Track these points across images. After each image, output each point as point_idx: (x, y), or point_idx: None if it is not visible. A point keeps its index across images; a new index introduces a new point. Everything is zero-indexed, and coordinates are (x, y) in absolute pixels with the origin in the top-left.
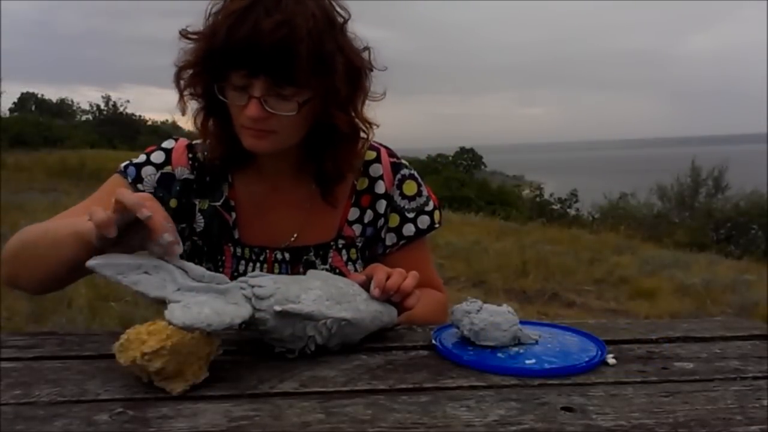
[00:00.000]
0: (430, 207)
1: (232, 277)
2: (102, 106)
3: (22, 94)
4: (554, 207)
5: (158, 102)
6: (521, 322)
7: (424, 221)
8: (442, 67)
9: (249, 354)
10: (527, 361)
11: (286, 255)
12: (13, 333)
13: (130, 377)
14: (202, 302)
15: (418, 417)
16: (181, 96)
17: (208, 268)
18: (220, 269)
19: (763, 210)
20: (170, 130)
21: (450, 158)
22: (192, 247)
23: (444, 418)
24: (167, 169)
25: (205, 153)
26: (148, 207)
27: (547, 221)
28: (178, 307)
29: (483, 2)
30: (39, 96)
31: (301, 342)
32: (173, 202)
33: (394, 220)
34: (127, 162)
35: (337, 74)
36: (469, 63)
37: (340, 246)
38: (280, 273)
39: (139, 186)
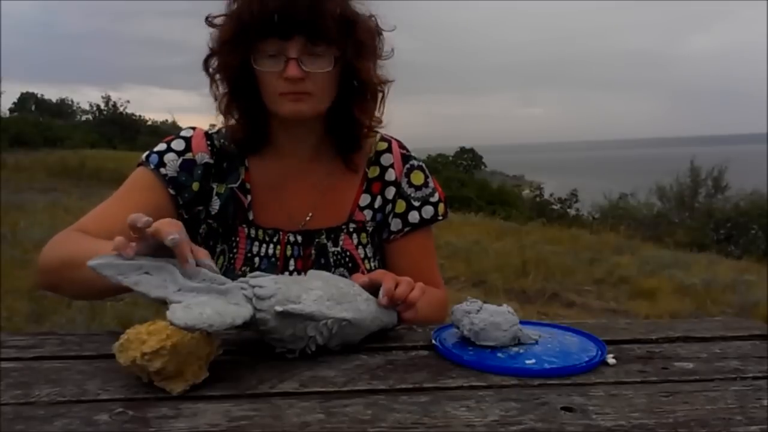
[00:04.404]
0: (435, 198)
1: (246, 258)
2: (102, 106)
3: (22, 94)
4: (554, 207)
5: (159, 102)
6: (521, 322)
7: (428, 211)
8: (443, 67)
9: (249, 354)
10: (527, 361)
11: (299, 237)
12: (13, 333)
13: (130, 377)
14: (203, 302)
15: (418, 417)
16: (213, 81)
17: (223, 250)
18: (235, 250)
19: (763, 210)
20: (170, 129)
21: (450, 158)
22: (207, 230)
23: (444, 418)
24: (188, 155)
25: (222, 141)
26: (173, 231)
27: (547, 221)
28: (179, 307)
29: (484, 2)
30: (39, 96)
31: (301, 342)
32: (195, 186)
33: (401, 206)
34: (148, 152)
35: (359, 28)
36: (470, 63)
37: (351, 230)
38: (292, 255)
39: (162, 170)
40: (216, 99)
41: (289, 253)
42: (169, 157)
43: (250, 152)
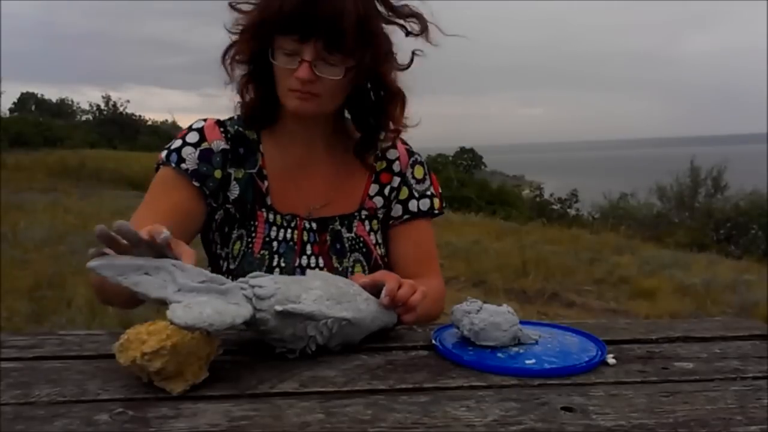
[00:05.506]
0: (431, 193)
1: (264, 242)
2: (102, 106)
3: (22, 94)
4: (554, 207)
5: (159, 102)
6: (521, 322)
7: (425, 203)
8: (443, 67)
9: (249, 354)
10: (527, 361)
11: (313, 224)
12: (13, 333)
13: (130, 377)
14: (203, 302)
15: (418, 417)
16: (228, 65)
17: (240, 235)
18: (253, 234)
19: (763, 210)
20: (170, 129)
21: (450, 158)
22: (224, 215)
23: (444, 418)
24: (204, 145)
25: (236, 126)
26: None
27: (547, 221)
28: (179, 306)
29: (483, 2)
30: (39, 96)
31: (301, 342)
32: (218, 173)
33: (404, 193)
34: (165, 151)
35: (380, 40)
36: (470, 63)
37: (363, 217)
38: (309, 240)
39: (183, 165)
40: (231, 80)
41: (306, 238)
42: (187, 151)
43: (265, 126)
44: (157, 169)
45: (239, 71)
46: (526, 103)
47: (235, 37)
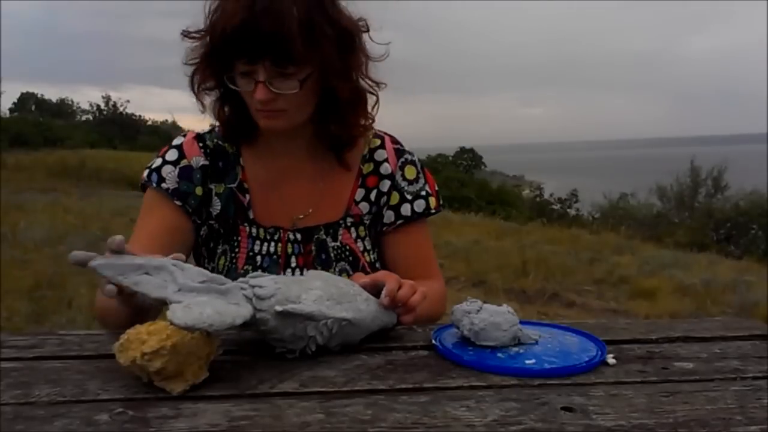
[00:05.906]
0: (426, 192)
1: (248, 257)
2: (102, 106)
3: (22, 94)
4: (554, 207)
5: (160, 102)
6: (521, 322)
7: (420, 205)
8: (443, 67)
9: (249, 354)
10: (527, 361)
11: (298, 235)
12: (13, 333)
13: (130, 377)
14: (203, 303)
15: (418, 417)
16: (196, 94)
17: (224, 251)
18: (237, 250)
19: (763, 210)
20: (170, 129)
21: (450, 158)
22: (208, 231)
23: (444, 418)
24: (183, 162)
25: (216, 140)
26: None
27: (547, 221)
28: (179, 307)
29: (483, 2)
30: (39, 96)
31: (301, 342)
32: (198, 190)
33: (395, 198)
34: (147, 171)
35: (329, 45)
36: (470, 63)
37: (349, 224)
38: (293, 252)
39: (163, 185)
40: (202, 111)
41: (290, 250)
42: (167, 170)
43: (244, 139)
44: (143, 188)
45: (210, 97)
46: (526, 103)
47: (192, 69)
